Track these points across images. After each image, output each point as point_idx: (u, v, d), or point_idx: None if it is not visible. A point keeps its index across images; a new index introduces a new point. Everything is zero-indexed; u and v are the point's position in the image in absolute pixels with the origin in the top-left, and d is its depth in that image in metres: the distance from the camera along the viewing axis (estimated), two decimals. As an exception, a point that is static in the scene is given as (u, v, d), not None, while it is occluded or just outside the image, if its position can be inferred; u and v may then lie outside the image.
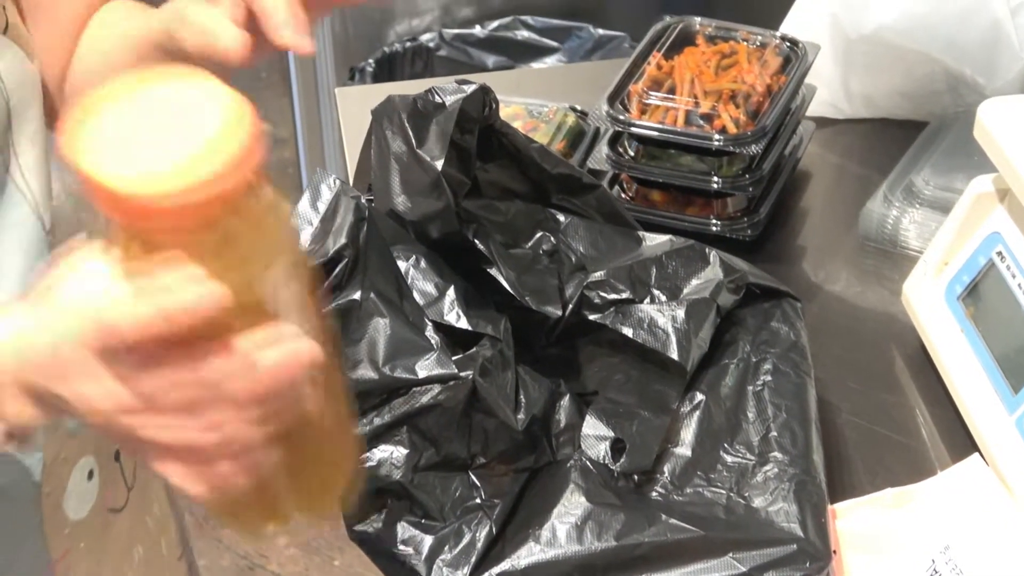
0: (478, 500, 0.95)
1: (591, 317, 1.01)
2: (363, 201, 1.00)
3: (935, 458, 1.08)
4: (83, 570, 1.08)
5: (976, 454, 1.03)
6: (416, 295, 0.98)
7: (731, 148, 1.22)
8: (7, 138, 0.97)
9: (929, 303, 1.14)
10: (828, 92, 1.45)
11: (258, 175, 0.68)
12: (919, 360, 1.16)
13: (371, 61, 2.29)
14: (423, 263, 0.99)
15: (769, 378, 1.02)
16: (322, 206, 1.00)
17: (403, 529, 0.94)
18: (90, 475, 1.09)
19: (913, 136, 1.39)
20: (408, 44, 2.31)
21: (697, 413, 1.00)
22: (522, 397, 0.97)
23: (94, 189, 0.65)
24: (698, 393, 1.01)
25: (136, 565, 1.14)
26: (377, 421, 0.94)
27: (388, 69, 2.31)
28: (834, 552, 0.92)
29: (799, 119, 1.35)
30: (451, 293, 0.98)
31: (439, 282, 0.99)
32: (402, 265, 0.99)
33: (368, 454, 0.94)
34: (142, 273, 0.68)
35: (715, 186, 1.25)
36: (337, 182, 1.01)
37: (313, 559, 2.40)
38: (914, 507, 0.99)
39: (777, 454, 0.97)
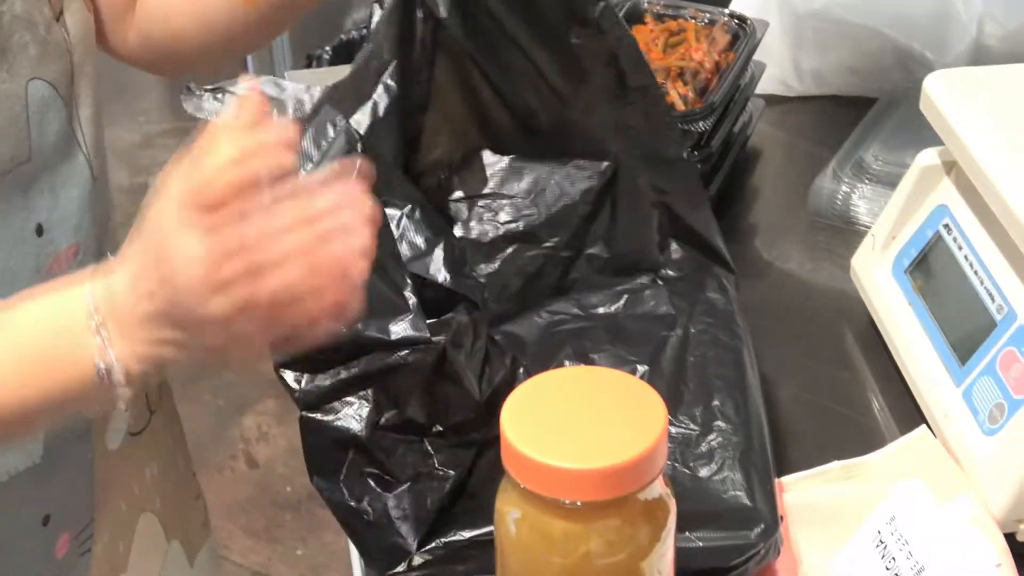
0: (432, 468, 0.95)
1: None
2: (354, 131, 0.98)
3: (885, 431, 1.08)
4: (111, 495, 1.11)
5: (924, 426, 1.03)
6: (404, 246, 0.97)
7: (680, 125, 1.21)
8: (71, 91, 0.98)
9: (877, 277, 1.14)
10: (778, 70, 1.45)
11: None
12: (869, 335, 1.16)
13: (328, 49, 2.28)
14: (417, 214, 0.98)
15: (708, 348, 1.02)
16: (325, 144, 0.98)
17: (362, 484, 0.94)
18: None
19: (863, 112, 1.39)
20: (365, 31, 2.30)
21: None
22: (487, 368, 0.96)
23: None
24: (639, 366, 1.01)
25: (147, 483, 1.16)
26: (344, 374, 0.93)
27: (345, 57, 2.30)
28: (781, 518, 0.93)
29: (748, 96, 1.35)
30: (440, 250, 0.97)
31: (430, 236, 0.98)
32: (394, 213, 0.98)
33: (332, 404, 0.94)
34: None
35: None
36: (342, 120, 0.99)
37: (276, 549, 2.39)
38: (862, 479, 0.99)
39: (720, 423, 0.97)
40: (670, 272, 1.07)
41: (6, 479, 1.00)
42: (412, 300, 0.94)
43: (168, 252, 0.77)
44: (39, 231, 0.97)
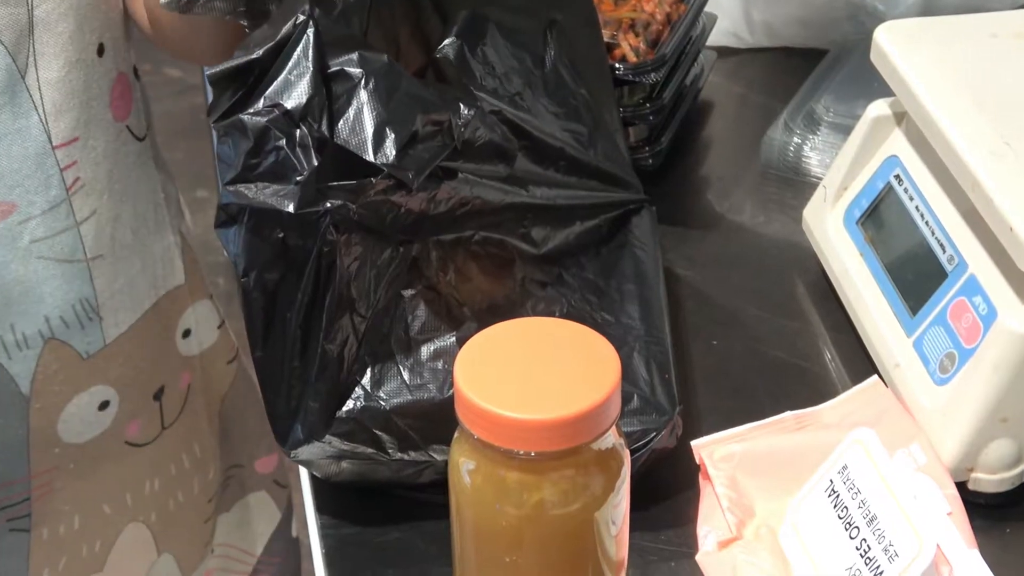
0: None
1: None
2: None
3: (837, 381, 1.08)
4: (68, 489, 1.10)
5: (875, 376, 1.04)
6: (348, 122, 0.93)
7: (631, 77, 1.21)
8: (27, 43, 0.98)
9: (829, 229, 1.14)
10: (730, 22, 1.45)
11: None
12: (821, 286, 1.17)
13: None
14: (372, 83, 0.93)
15: (625, 265, 1.03)
16: None
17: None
18: (104, 405, 1.10)
19: (814, 64, 1.39)
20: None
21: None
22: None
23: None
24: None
25: (145, 496, 1.16)
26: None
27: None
28: (679, 407, 0.96)
29: (700, 48, 1.34)
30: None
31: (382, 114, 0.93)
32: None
33: None
34: None
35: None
36: None
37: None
38: (814, 429, 1.00)
39: (628, 321, 1.00)
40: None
41: None
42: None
43: None
44: None
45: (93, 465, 1.12)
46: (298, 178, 0.90)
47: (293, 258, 0.92)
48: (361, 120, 0.90)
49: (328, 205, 0.90)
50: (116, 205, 1.08)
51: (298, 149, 0.90)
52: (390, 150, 0.90)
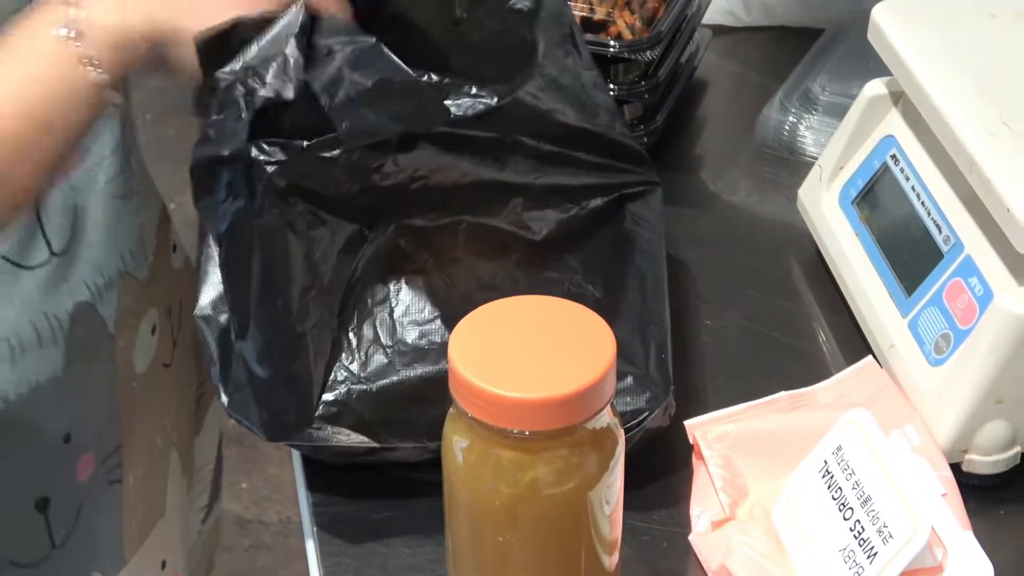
0: None
1: None
2: None
3: (831, 362, 1.08)
4: (139, 425, 1.12)
5: (870, 356, 1.03)
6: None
7: (626, 55, 1.20)
8: None
9: (824, 208, 1.14)
10: (725, 0, 1.44)
11: None
12: (815, 266, 1.16)
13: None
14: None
15: (630, 243, 1.03)
16: None
17: None
18: (153, 330, 1.13)
19: (810, 43, 1.39)
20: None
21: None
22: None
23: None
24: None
25: (172, 417, 1.18)
26: None
27: None
28: (673, 386, 0.95)
29: (695, 26, 1.34)
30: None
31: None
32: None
33: None
34: None
35: (611, 93, 1.23)
36: None
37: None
38: (809, 409, 0.99)
39: (629, 299, 1.00)
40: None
41: (26, 390, 1.00)
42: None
43: None
44: None
45: (150, 394, 1.13)
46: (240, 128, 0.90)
47: (244, 224, 0.92)
48: (325, 82, 0.90)
49: (256, 153, 0.91)
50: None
51: (255, 104, 0.90)
52: (331, 103, 0.89)
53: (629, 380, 0.96)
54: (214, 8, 0.89)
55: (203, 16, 0.88)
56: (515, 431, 0.74)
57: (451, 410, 0.78)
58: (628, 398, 0.95)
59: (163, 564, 1.15)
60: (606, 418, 0.77)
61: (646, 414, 0.94)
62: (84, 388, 1.05)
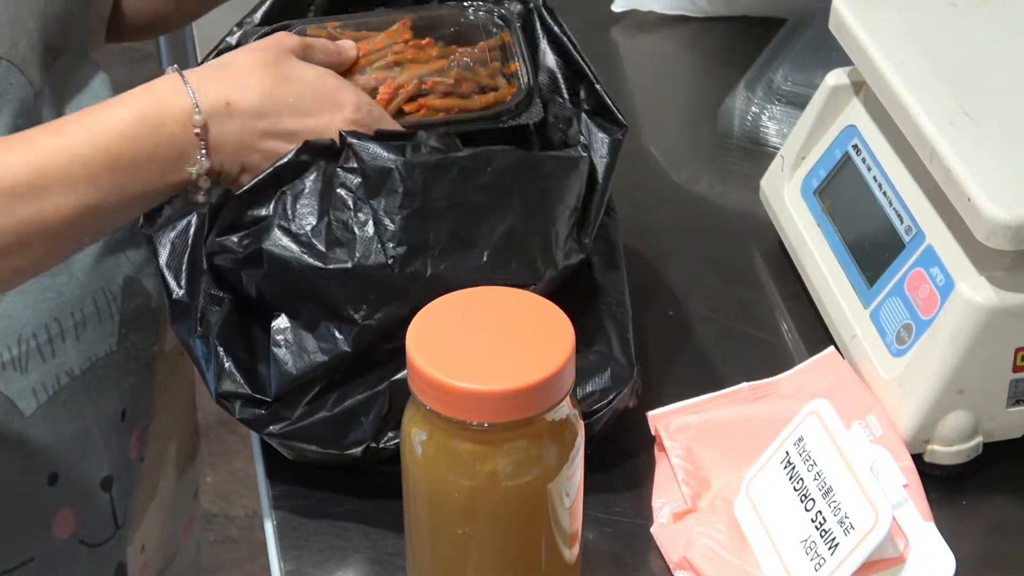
0: None
1: None
2: None
3: (793, 352, 1.08)
4: (164, 404, 1.14)
5: (832, 347, 1.03)
6: None
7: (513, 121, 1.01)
8: None
9: (786, 198, 1.13)
10: (688, -10, 1.44)
11: None
12: (777, 256, 1.16)
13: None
14: None
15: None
16: None
17: None
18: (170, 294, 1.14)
19: (773, 33, 1.38)
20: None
21: None
22: None
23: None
24: None
25: (181, 405, 1.19)
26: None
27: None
28: (637, 366, 0.96)
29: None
30: None
31: None
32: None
33: None
34: None
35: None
36: None
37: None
38: (770, 400, 0.99)
39: (597, 281, 1.00)
40: None
41: (87, 365, 1.02)
42: None
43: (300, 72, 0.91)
44: None
45: (172, 376, 1.14)
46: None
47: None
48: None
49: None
50: None
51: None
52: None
53: (593, 360, 0.95)
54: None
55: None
56: (473, 423, 0.74)
57: (409, 403, 0.77)
58: (595, 378, 0.94)
59: (142, 548, 1.15)
60: (565, 409, 0.77)
61: (613, 395, 0.93)
62: (133, 364, 1.07)
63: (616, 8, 1.46)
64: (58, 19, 0.98)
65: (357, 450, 0.92)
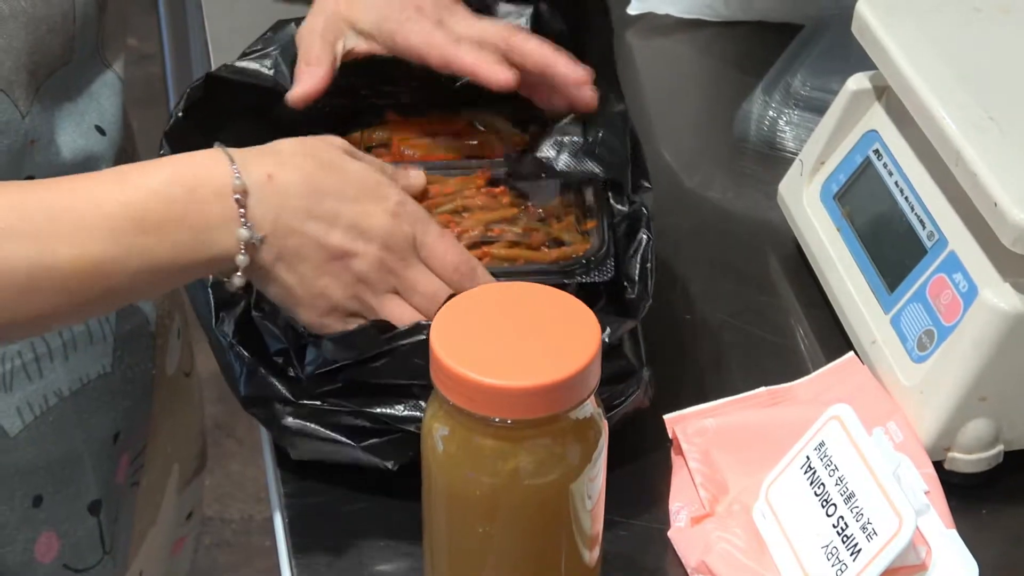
0: None
1: None
2: None
3: (810, 359, 1.07)
4: (163, 428, 1.12)
5: (852, 352, 1.02)
6: None
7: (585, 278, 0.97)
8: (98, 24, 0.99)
9: (805, 203, 1.13)
10: (705, -6, 1.44)
11: None
12: (794, 262, 1.15)
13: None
14: None
15: None
16: None
17: None
18: (179, 334, 1.14)
19: (790, 39, 1.38)
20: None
21: None
22: None
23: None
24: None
25: (184, 428, 1.18)
26: None
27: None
28: (646, 365, 0.94)
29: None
30: None
31: None
32: None
33: None
34: None
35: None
36: None
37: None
38: (790, 405, 0.98)
39: None
40: None
41: (78, 386, 1.00)
42: None
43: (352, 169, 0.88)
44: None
45: (173, 399, 1.13)
46: None
47: None
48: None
49: None
50: None
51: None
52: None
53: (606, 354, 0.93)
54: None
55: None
56: (497, 419, 0.73)
57: (431, 397, 0.76)
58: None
59: (140, 574, 1.13)
60: (590, 408, 0.76)
61: (625, 395, 0.92)
62: (130, 386, 1.05)
63: (632, 11, 1.45)
64: (55, 33, 0.94)
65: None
